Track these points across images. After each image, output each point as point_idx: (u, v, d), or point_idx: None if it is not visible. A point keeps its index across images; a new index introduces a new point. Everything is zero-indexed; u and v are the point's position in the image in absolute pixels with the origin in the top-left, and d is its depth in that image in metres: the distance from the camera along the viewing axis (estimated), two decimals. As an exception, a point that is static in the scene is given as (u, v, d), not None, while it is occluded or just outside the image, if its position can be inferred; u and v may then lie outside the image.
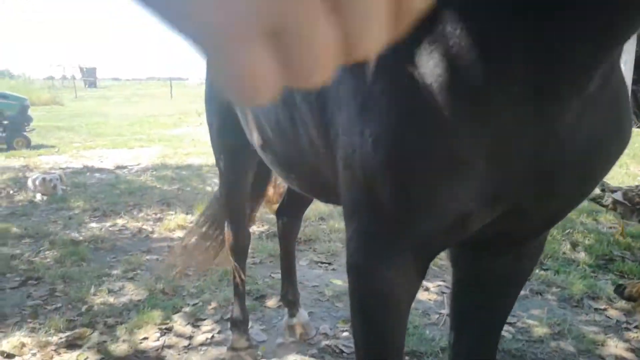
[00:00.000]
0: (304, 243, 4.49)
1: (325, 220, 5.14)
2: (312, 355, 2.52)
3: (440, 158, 0.76)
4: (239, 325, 2.42)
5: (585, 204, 5.59)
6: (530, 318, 2.87)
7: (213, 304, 3.12)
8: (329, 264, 3.95)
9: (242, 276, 2.42)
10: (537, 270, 3.59)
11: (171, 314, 2.95)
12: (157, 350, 2.58)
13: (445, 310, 3.00)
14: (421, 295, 3.26)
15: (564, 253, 3.91)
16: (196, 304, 3.13)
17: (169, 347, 2.62)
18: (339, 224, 4.89)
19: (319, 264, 3.93)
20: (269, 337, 2.72)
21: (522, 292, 3.25)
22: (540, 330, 2.69)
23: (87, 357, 2.49)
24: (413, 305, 3.55)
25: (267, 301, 3.19)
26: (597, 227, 4.71)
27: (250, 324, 2.88)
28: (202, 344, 2.65)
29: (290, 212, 2.73)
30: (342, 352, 2.56)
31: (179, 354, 2.55)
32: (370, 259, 0.90)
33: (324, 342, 2.64)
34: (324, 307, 3.11)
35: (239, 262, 2.42)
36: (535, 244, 1.02)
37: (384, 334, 0.95)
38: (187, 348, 2.62)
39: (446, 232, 0.86)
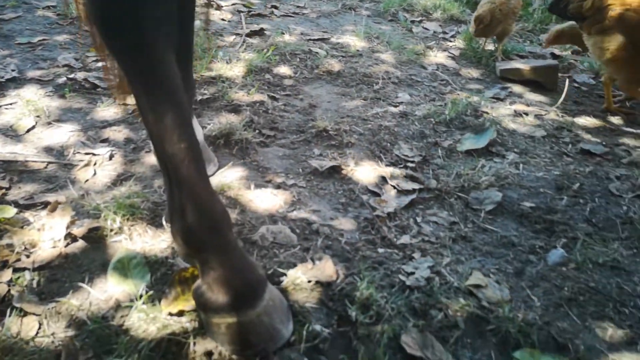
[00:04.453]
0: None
1: None
2: (46, 95, 1.61)
3: None
4: None
5: None
6: (345, 34, 2.34)
7: None
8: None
9: None
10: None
11: None
12: None
13: (243, 30, 2.27)
14: (211, 16, 2.42)
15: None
16: None
17: None
18: None
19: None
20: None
21: (334, 8, 2.68)
22: (358, 45, 2.19)
23: None
24: (201, 25, 2.29)
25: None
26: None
27: None
28: None
29: None
30: (96, 86, 1.70)
31: None
32: None
33: (66, 76, 1.72)
34: (59, 32, 2.07)
35: None
36: None
37: None
38: None
39: None
